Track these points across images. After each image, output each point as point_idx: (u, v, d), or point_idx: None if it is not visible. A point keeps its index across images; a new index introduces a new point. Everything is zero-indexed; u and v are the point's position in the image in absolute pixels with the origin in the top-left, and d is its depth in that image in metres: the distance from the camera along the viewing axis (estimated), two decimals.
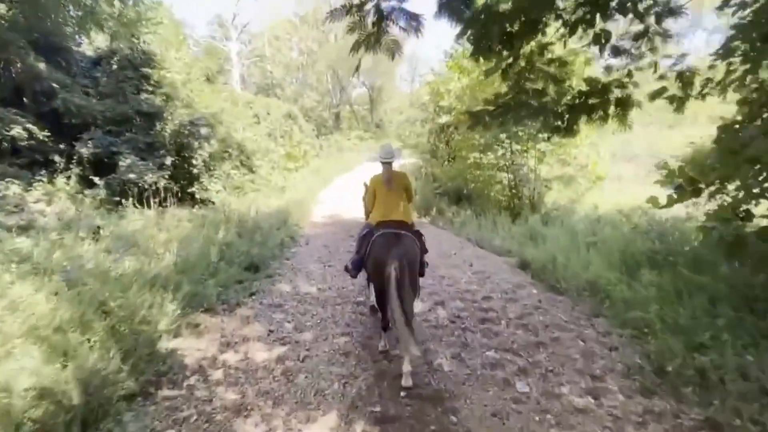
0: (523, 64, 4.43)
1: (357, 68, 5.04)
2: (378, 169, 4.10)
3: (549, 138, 8.87)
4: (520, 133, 8.82)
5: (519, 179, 8.89)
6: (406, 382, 3.25)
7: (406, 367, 3.29)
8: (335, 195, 13.71)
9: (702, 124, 12.72)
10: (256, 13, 57.23)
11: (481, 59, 4.37)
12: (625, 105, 3.61)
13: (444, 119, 10.17)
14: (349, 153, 29.15)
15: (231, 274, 5.52)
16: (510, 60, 4.38)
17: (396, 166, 4.39)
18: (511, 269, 6.36)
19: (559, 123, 4.15)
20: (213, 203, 10.87)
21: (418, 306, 4.35)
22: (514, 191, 9.27)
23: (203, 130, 11.82)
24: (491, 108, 4.69)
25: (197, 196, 11.28)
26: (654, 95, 3.74)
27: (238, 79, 38.25)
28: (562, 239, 6.62)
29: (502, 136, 8.85)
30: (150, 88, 12.26)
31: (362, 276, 4.38)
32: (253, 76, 51.53)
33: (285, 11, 41.77)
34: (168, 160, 11.14)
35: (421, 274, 4.03)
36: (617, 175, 11.62)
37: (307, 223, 10.06)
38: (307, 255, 7.33)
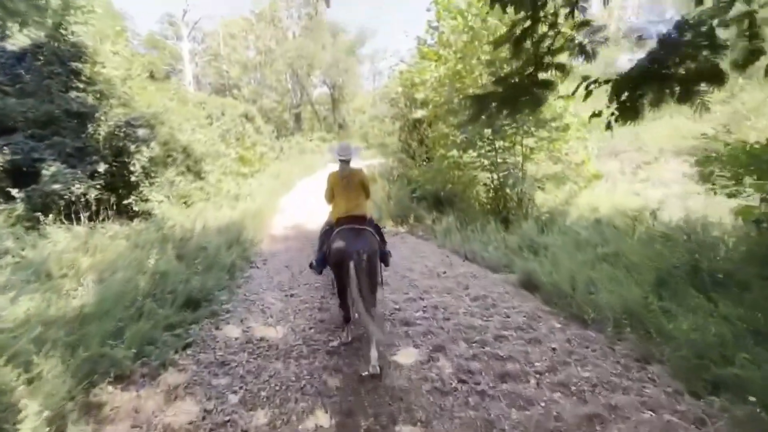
0: (545, 29, 3.31)
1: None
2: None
3: (536, 131, 7.88)
4: (506, 127, 7.76)
5: (505, 179, 7.83)
6: (374, 370, 3.33)
7: (373, 354, 3.40)
8: (297, 201, 12.35)
9: (684, 112, 12.12)
10: (208, 11, 54.76)
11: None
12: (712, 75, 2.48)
13: (420, 114, 9.03)
14: (311, 155, 27.65)
15: (160, 317, 4.14)
16: (528, 23, 3.25)
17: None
18: (516, 291, 5.24)
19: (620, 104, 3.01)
20: (153, 216, 9.39)
21: (412, 356, 3.72)
22: (499, 193, 8.22)
23: (141, 132, 10.25)
24: (500, 90, 3.55)
25: (136, 208, 9.73)
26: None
27: (191, 80, 36.20)
28: (566, 249, 5.58)
29: (487, 131, 7.78)
30: (81, 85, 10.64)
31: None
32: (208, 77, 49.35)
33: (240, 8, 39.79)
34: (101, 167, 9.54)
35: (386, 264, 4.34)
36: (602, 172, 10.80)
37: (266, 236, 8.69)
38: (264, 280, 6.01)
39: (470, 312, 4.57)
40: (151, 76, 15.90)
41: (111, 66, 12.55)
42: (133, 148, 10.07)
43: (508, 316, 4.41)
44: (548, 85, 3.36)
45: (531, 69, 3.44)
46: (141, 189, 10.05)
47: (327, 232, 4.24)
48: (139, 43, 24.45)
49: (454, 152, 8.55)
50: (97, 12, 14.21)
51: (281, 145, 26.18)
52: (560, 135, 8.16)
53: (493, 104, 3.54)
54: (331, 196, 4.36)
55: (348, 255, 3.61)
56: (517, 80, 3.48)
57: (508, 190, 8.15)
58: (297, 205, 11.59)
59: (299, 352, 3.81)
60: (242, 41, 40.59)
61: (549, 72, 3.36)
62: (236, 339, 4.07)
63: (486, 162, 8.30)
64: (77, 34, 12.28)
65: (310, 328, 4.32)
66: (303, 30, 39.93)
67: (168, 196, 10.08)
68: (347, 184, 4.18)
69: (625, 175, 10.74)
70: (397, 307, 4.82)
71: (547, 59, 3.37)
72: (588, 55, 3.19)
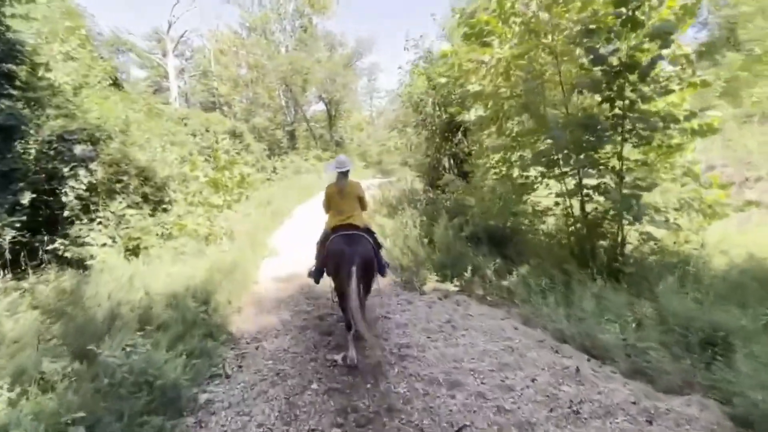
0: None
1: None
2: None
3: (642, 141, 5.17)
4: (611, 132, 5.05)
5: (616, 206, 5.07)
6: (351, 362, 3.83)
7: (351, 352, 3.89)
8: (293, 238, 9.53)
9: None
10: (196, 24, 52.57)
11: None
12: None
13: (472, 114, 6.27)
14: (307, 175, 24.89)
15: None
16: None
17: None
18: None
19: None
20: (89, 267, 6.60)
21: None
22: (600, 228, 5.45)
23: (78, 149, 7.49)
24: None
25: (67, 254, 6.93)
26: None
27: (176, 96, 33.68)
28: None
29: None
30: (13, 92, 7.97)
31: None
32: (197, 94, 46.96)
33: (230, 22, 37.45)
34: (26, 198, 6.85)
35: (382, 274, 4.55)
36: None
37: (247, 301, 5.85)
38: (238, 414, 3.17)
39: None
40: (114, 84, 13.28)
41: (61, 71, 9.96)
42: (66, 170, 7.31)
43: None
44: None
45: None
46: (76, 227, 7.28)
47: (323, 241, 4.54)
48: (100, 43, 21.50)
49: (528, 170, 5.82)
50: (44, 4, 11.49)
51: (274, 165, 23.46)
52: (678, 142, 5.47)
53: None
54: (328, 207, 4.72)
55: (347, 259, 3.86)
56: None
57: (609, 225, 5.41)
58: (292, 245, 8.78)
59: None
60: (233, 57, 38.03)
61: None
62: None
63: (570, 185, 5.57)
64: (14, 30, 9.54)
65: None
66: (297, 43, 37.62)
67: (113, 238, 7.26)
68: (344, 195, 4.54)
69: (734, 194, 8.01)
70: None
71: None
72: None
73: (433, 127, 8.84)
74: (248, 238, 8.02)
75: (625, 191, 4.83)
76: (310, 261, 6.80)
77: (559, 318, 4.40)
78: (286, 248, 8.83)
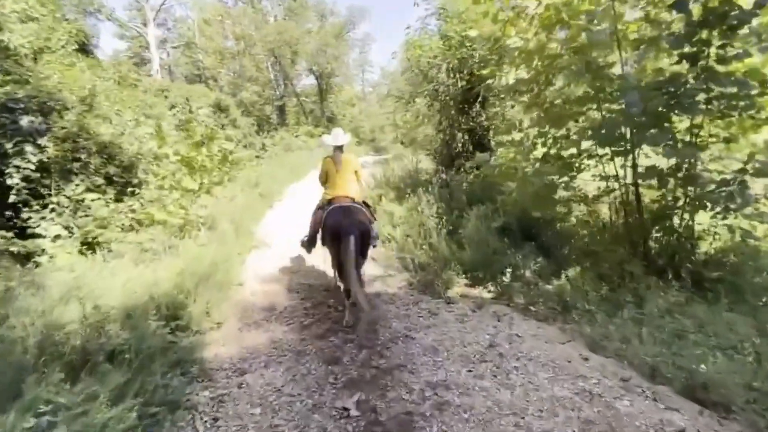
0: None
1: None
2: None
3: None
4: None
5: (706, 195, 3.99)
6: (348, 323, 4.12)
7: (348, 316, 4.17)
8: (284, 224, 8.35)
9: None
10: None
11: None
12: None
13: (511, 78, 5.00)
14: (298, 152, 23.47)
15: None
16: None
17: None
18: None
19: None
20: (39, 264, 5.41)
21: None
22: (682, 223, 4.37)
23: (25, 121, 6.22)
24: None
25: (12, 249, 5.73)
26: None
27: (158, 68, 31.79)
28: None
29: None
30: None
31: None
32: (181, 66, 44.89)
33: None
34: None
35: (373, 245, 4.55)
36: None
37: (229, 310, 4.70)
38: None
39: None
40: (82, 50, 11.80)
41: (18, 32, 8.72)
42: (9, 147, 6.06)
43: None
44: None
45: None
46: (27, 215, 6.08)
47: (320, 212, 4.53)
48: (68, 5, 19.60)
49: (569, 148, 4.69)
50: None
51: (262, 142, 22.06)
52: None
53: None
54: (324, 179, 4.79)
55: (345, 230, 3.92)
56: None
57: (678, 216, 4.33)
58: (285, 233, 7.61)
59: None
60: (218, 27, 35.92)
61: None
62: None
63: (626, 165, 4.46)
64: None
65: None
66: (286, 12, 35.65)
67: (69, 228, 6.05)
68: (341, 168, 4.60)
69: None
70: None
71: None
72: None
73: (447, 98, 7.63)
74: (232, 227, 6.84)
75: (725, 175, 3.72)
76: (303, 254, 5.75)
77: (639, 345, 3.33)
78: (276, 238, 7.65)
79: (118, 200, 6.66)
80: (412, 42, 7.46)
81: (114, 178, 6.97)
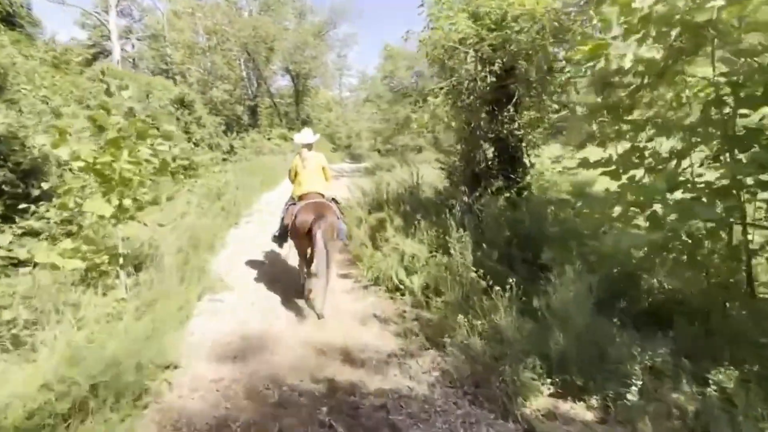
0: None
1: None
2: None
3: None
4: None
5: None
6: (320, 312, 4.30)
7: (318, 304, 4.32)
8: (252, 253, 6.38)
9: None
10: None
11: None
12: None
13: (629, 59, 3.11)
14: (271, 157, 21.33)
15: None
16: None
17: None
18: None
19: None
20: None
21: None
22: None
23: None
24: None
25: None
26: None
27: (119, 59, 29.11)
28: None
29: None
30: None
31: None
32: (146, 60, 42.11)
33: None
34: None
35: (341, 237, 4.67)
36: None
37: (147, 428, 2.70)
38: None
39: None
40: (6, 21, 9.53)
41: None
42: None
43: None
44: None
45: None
46: None
47: (289, 208, 4.72)
48: None
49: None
50: None
51: (230, 143, 19.84)
52: None
53: None
54: (294, 177, 4.92)
55: (314, 226, 4.12)
56: None
57: None
58: (253, 266, 5.63)
59: None
60: (189, 21, 33.34)
61: None
62: None
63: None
64: None
65: None
66: (261, 7, 33.40)
67: None
68: (309, 165, 4.80)
69: None
70: None
71: None
72: None
73: (472, 97, 5.81)
74: (178, 261, 4.80)
75: None
76: (279, 301, 4.89)
77: None
78: (240, 273, 5.66)
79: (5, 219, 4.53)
80: (436, 14, 5.57)
81: (12, 184, 4.85)
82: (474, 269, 3.87)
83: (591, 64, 3.08)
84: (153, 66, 39.79)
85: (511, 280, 3.17)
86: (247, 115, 32.09)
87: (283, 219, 4.84)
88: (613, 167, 3.41)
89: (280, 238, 4.96)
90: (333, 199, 4.91)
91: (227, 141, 19.67)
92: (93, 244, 3.68)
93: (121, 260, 3.85)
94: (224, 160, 18.39)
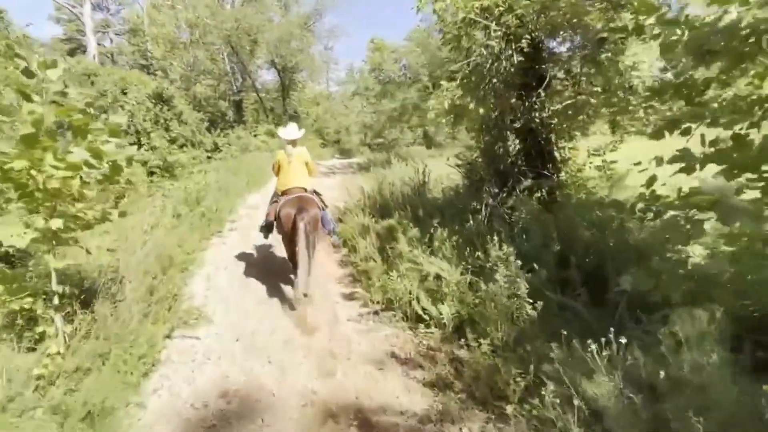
0: None
1: None
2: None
3: None
4: None
5: None
6: (303, 294, 4.20)
7: (301, 283, 4.19)
8: (237, 271, 5.44)
9: None
10: None
11: None
12: None
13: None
14: (257, 154, 20.08)
15: None
16: None
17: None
18: None
19: None
20: None
21: None
22: None
23: None
24: None
25: None
26: None
27: (95, 54, 27.69)
28: None
29: None
30: None
31: None
32: (125, 55, 40.55)
33: None
34: None
35: (329, 232, 5.02)
36: None
37: None
38: None
39: None
40: None
41: None
42: None
43: None
44: None
45: None
46: None
47: (274, 202, 4.92)
48: None
49: None
50: None
51: (214, 140, 18.69)
52: None
53: None
54: (278, 171, 5.10)
55: (297, 218, 4.34)
56: None
57: None
58: (240, 289, 4.66)
59: None
60: (169, 14, 31.81)
61: None
62: None
63: None
64: None
65: None
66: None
67: None
68: (293, 160, 4.92)
69: None
70: None
71: None
72: None
73: (496, 81, 4.86)
74: (141, 292, 3.80)
75: None
76: (269, 335, 4.03)
77: None
78: (221, 299, 4.66)
79: None
80: None
81: None
82: (530, 301, 2.93)
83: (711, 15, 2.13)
84: (132, 62, 38.16)
85: (609, 333, 2.20)
86: (232, 111, 30.82)
87: (268, 214, 5.00)
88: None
89: (267, 230, 5.11)
90: (314, 190, 5.05)
91: (211, 138, 18.51)
92: (12, 281, 2.70)
93: (55, 300, 2.85)
94: (209, 158, 17.28)
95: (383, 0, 72.68)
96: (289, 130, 5.04)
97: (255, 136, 25.51)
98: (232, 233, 7.17)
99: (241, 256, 6.03)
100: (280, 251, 5.55)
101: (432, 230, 4.61)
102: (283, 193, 4.77)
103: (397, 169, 9.64)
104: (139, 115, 15.11)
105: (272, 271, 5.45)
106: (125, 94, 15.40)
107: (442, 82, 5.34)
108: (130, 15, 39.89)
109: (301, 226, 4.24)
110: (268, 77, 36.60)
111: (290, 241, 4.50)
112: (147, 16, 34.04)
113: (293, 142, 4.99)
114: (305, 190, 4.78)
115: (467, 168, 5.72)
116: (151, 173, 7.44)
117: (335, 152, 36.66)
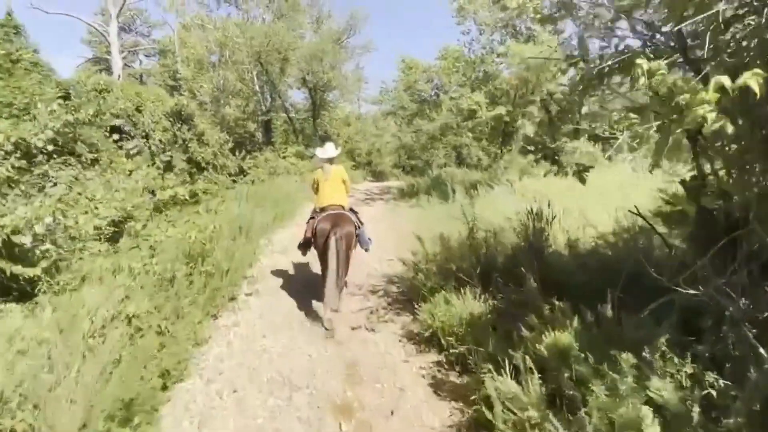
0: None
1: None
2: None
3: None
4: None
5: None
6: (329, 326, 4.25)
7: (327, 315, 4.29)
8: (244, 389, 3.06)
9: None
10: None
11: None
12: None
13: None
14: (286, 178, 17.83)
15: None
16: None
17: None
18: None
19: None
20: None
21: None
22: None
23: None
24: None
25: None
26: None
27: (120, 73, 26.49)
28: None
29: None
30: None
31: None
32: (154, 76, 39.85)
33: None
34: None
35: (365, 249, 5.25)
36: None
37: None
38: None
39: None
40: None
41: None
42: None
43: None
44: None
45: None
46: None
47: (312, 219, 5.04)
48: None
49: None
50: None
51: (239, 164, 16.70)
52: None
53: None
54: (316, 189, 5.27)
55: (330, 233, 4.43)
56: None
57: None
58: (262, 380, 2.35)
59: None
60: (199, 34, 30.63)
61: None
62: None
63: None
64: None
65: None
66: (276, 14, 30.45)
67: None
68: (330, 178, 5.12)
69: None
70: None
71: None
72: None
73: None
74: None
75: None
76: None
77: None
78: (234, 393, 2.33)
79: None
80: None
81: None
82: None
83: None
84: (161, 83, 37.27)
85: None
86: (260, 132, 29.11)
87: (306, 231, 5.08)
88: None
89: (305, 247, 5.14)
90: (351, 209, 5.15)
91: (235, 162, 16.51)
92: None
93: None
94: (234, 181, 15.22)
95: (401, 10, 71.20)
96: (327, 149, 5.32)
97: (284, 157, 23.50)
98: (243, 314, 4.77)
99: (257, 361, 3.67)
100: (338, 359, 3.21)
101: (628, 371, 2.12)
102: (322, 209, 4.94)
103: (465, 205, 7.19)
104: (155, 135, 13.29)
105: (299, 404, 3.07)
106: (140, 111, 13.62)
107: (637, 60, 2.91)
108: (163, 37, 39.25)
109: (332, 240, 4.36)
110: (298, 98, 34.91)
111: (324, 255, 4.50)
112: (178, 37, 33.11)
113: (331, 161, 5.24)
114: (343, 208, 4.97)
115: (700, 221, 3.07)
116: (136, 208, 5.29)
117: (366, 174, 34.52)
